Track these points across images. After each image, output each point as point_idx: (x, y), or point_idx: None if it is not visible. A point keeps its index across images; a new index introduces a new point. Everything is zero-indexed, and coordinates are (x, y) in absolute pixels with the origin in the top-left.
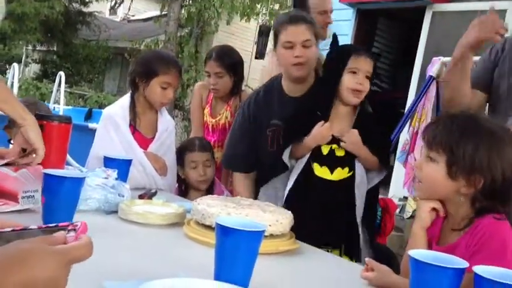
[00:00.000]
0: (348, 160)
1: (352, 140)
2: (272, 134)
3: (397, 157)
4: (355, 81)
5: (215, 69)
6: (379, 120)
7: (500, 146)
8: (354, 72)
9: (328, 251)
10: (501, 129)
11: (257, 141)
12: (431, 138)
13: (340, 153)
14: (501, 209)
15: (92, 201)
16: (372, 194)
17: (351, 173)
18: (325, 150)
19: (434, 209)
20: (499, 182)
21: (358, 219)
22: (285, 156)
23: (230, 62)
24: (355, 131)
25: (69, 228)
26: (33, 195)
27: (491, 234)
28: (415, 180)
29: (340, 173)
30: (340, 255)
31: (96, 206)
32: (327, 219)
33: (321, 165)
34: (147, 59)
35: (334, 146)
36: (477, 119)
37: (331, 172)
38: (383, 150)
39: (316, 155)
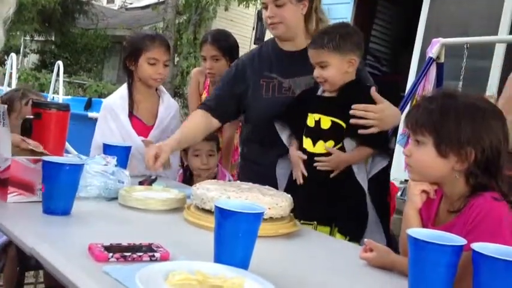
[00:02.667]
0: (333, 133)
1: (335, 163)
2: (266, 84)
3: (397, 140)
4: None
5: (211, 52)
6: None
7: (481, 116)
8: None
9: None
10: (479, 100)
11: (242, 90)
12: (414, 122)
13: (325, 125)
14: (497, 188)
15: (92, 188)
16: (381, 176)
17: (339, 146)
18: (310, 121)
19: (424, 191)
20: (489, 151)
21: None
22: (284, 138)
23: (226, 45)
24: (340, 154)
25: (153, 246)
26: None
27: (487, 212)
28: (406, 167)
29: (323, 147)
30: (316, 229)
31: (96, 192)
32: (307, 194)
33: (306, 136)
34: (132, 40)
35: (317, 116)
36: (454, 96)
37: (313, 144)
38: (378, 137)
39: (305, 127)
